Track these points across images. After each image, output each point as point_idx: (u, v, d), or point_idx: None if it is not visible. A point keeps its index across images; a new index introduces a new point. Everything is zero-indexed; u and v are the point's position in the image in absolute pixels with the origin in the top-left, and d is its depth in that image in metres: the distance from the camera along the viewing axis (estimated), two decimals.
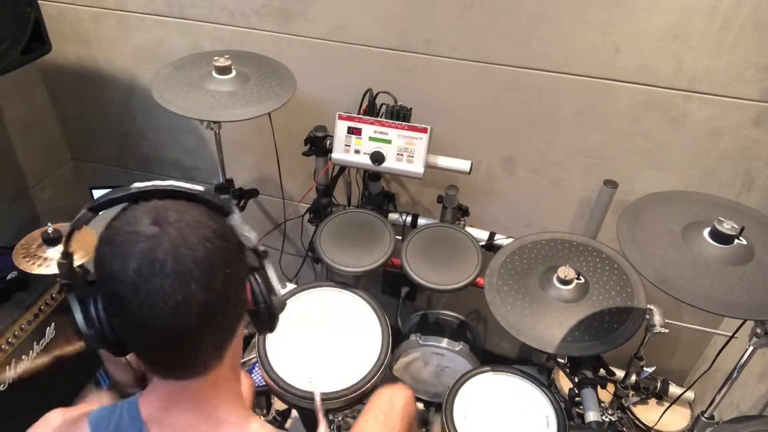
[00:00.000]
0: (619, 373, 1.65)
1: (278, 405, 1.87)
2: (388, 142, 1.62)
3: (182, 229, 0.65)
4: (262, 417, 1.78)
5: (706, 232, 1.14)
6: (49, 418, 0.83)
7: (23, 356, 1.69)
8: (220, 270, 0.67)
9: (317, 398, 1.28)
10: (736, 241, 1.12)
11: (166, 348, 0.68)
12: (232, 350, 0.76)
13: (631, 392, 1.67)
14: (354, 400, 1.39)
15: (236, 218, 0.72)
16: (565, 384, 1.88)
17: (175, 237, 0.65)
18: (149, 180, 0.72)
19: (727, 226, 1.11)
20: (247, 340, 1.94)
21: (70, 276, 0.72)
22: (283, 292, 0.83)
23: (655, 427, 1.83)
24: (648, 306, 1.40)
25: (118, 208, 0.72)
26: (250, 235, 0.74)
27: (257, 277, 0.75)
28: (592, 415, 1.40)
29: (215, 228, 0.68)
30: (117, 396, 1.09)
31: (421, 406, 1.81)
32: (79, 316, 0.69)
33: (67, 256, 0.72)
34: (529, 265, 1.47)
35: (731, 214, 1.15)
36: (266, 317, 0.78)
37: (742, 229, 1.11)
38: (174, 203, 0.69)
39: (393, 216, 1.84)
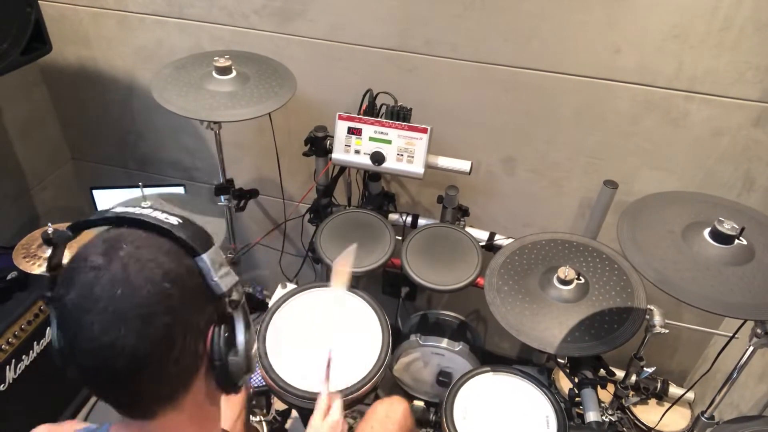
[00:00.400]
0: (619, 374, 1.65)
1: (278, 405, 1.87)
2: (388, 142, 1.62)
3: (128, 266, 0.59)
4: (262, 417, 1.78)
5: (706, 232, 1.14)
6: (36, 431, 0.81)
7: (23, 356, 1.69)
8: (161, 317, 0.59)
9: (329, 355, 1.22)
10: (737, 241, 1.12)
11: (98, 386, 0.64)
12: (195, 400, 0.68)
13: (631, 392, 1.67)
14: (354, 401, 1.39)
15: (207, 260, 0.64)
16: (565, 384, 1.88)
17: (118, 274, 0.59)
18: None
19: (727, 227, 1.11)
20: None
21: (52, 288, 0.66)
22: (253, 350, 0.70)
23: (656, 427, 1.83)
24: (648, 306, 1.40)
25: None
26: (224, 279, 0.65)
27: (221, 329, 0.66)
28: (592, 416, 1.40)
29: (169, 269, 0.61)
30: None
31: (421, 404, 1.81)
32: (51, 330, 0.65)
33: (51, 269, 0.66)
34: (529, 265, 1.47)
35: (731, 215, 1.15)
36: (220, 377, 0.67)
37: (743, 229, 1.11)
38: (137, 235, 0.63)
39: (393, 216, 1.84)
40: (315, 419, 1.07)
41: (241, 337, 0.67)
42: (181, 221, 0.65)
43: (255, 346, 0.71)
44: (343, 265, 1.20)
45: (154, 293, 0.59)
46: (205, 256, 0.64)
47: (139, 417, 0.67)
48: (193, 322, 0.64)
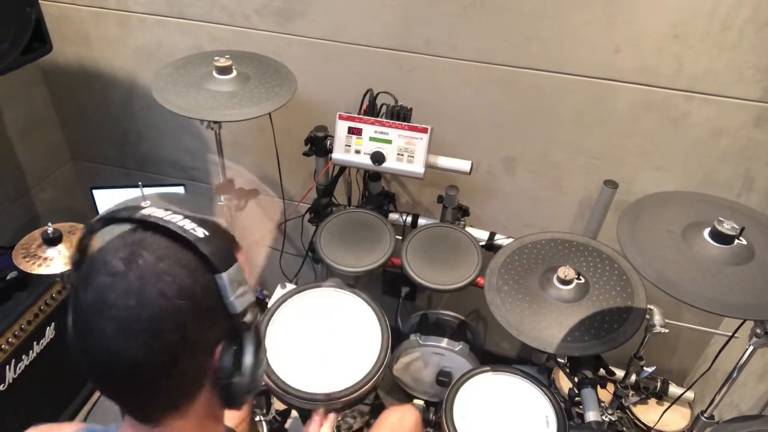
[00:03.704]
0: (619, 373, 1.65)
1: (278, 405, 1.87)
2: (389, 142, 1.62)
3: (145, 277, 0.59)
4: (261, 417, 1.78)
5: (706, 232, 1.15)
6: None
7: (23, 356, 1.69)
8: (168, 334, 0.60)
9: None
10: (737, 241, 1.12)
11: (103, 386, 0.64)
12: (201, 410, 0.68)
13: (631, 392, 1.67)
14: (354, 401, 1.39)
15: (226, 279, 0.63)
16: (565, 384, 1.88)
17: (133, 284, 0.59)
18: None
19: (727, 227, 1.11)
20: None
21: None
22: (262, 366, 0.70)
23: (655, 427, 1.83)
24: (648, 306, 1.40)
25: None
26: (241, 299, 0.64)
27: (230, 347, 0.66)
28: (592, 415, 1.40)
29: (185, 285, 0.61)
30: None
31: (421, 403, 1.81)
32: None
33: (75, 257, 0.66)
34: (529, 265, 1.47)
35: (731, 215, 1.16)
36: (222, 394, 0.67)
37: (742, 229, 1.11)
38: (161, 242, 0.62)
39: (393, 216, 1.84)
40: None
41: (248, 358, 0.67)
42: (207, 234, 0.64)
43: (263, 365, 0.71)
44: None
45: (165, 309, 0.59)
46: (224, 275, 0.63)
47: (144, 421, 0.67)
48: (202, 339, 0.64)
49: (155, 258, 0.61)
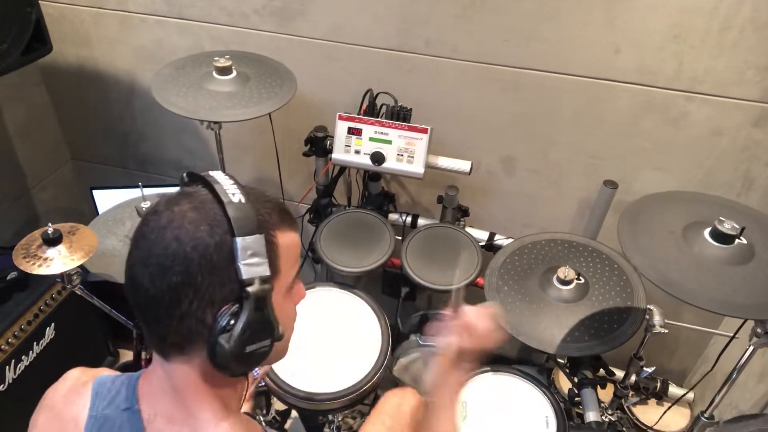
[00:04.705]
0: (619, 373, 1.65)
1: (278, 405, 1.87)
2: (389, 142, 1.62)
3: (173, 221, 0.67)
4: (261, 417, 1.78)
5: (706, 232, 1.15)
6: (68, 374, 0.88)
7: (23, 356, 1.69)
8: (174, 275, 0.65)
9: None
10: (737, 241, 1.12)
11: (134, 309, 0.71)
12: (204, 363, 0.70)
13: (631, 392, 1.67)
14: (354, 400, 1.39)
15: (239, 243, 0.66)
16: (565, 384, 1.88)
17: (161, 224, 0.67)
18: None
19: (727, 226, 1.11)
20: None
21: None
22: (263, 343, 0.71)
23: (655, 427, 1.83)
24: (648, 306, 1.40)
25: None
26: (249, 268, 0.67)
27: (231, 311, 0.68)
28: (591, 415, 1.40)
29: (201, 238, 0.66)
30: None
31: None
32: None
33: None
34: (529, 265, 1.47)
35: (731, 214, 1.16)
36: (211, 353, 0.69)
37: (743, 229, 1.11)
38: (202, 198, 0.70)
39: (393, 216, 1.84)
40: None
41: (239, 326, 0.67)
42: (242, 201, 0.68)
43: (264, 344, 0.71)
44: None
45: (176, 251, 0.65)
46: (239, 239, 0.66)
47: (159, 352, 0.73)
48: (205, 292, 0.67)
49: (189, 207, 0.68)
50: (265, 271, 0.68)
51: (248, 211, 0.68)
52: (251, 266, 0.67)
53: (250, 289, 0.67)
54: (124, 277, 0.70)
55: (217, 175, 0.72)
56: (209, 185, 0.70)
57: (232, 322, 0.68)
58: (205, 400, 0.73)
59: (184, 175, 0.75)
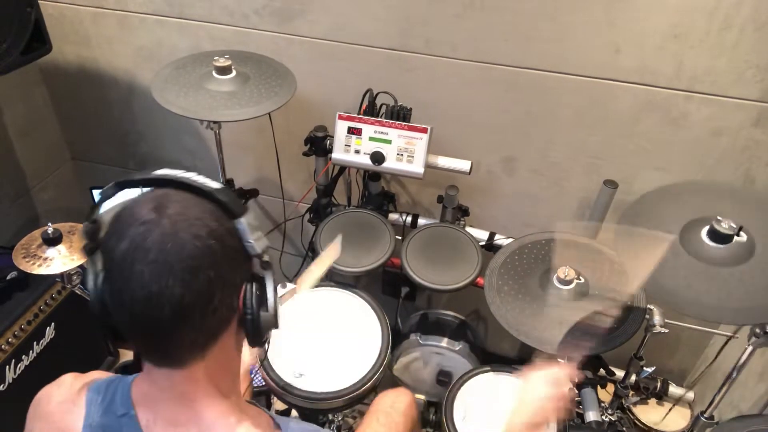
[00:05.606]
0: (619, 373, 1.65)
1: (278, 405, 1.87)
2: (388, 142, 1.62)
3: (177, 223, 0.65)
4: None
5: (704, 232, 1.15)
6: (62, 379, 0.88)
7: (23, 356, 1.69)
8: (205, 271, 0.65)
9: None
10: (735, 239, 1.12)
11: (140, 333, 0.69)
12: (220, 354, 0.73)
13: (631, 392, 1.67)
14: (354, 400, 1.39)
15: (244, 222, 0.70)
16: None
17: (167, 229, 0.65)
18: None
19: (725, 226, 1.11)
20: None
21: (94, 239, 0.72)
22: (280, 307, 0.77)
23: (656, 427, 1.83)
24: (648, 306, 1.40)
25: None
26: (258, 242, 0.72)
27: (253, 286, 0.73)
28: (592, 415, 1.40)
29: (214, 228, 0.67)
30: None
31: (422, 397, 1.81)
32: (87, 279, 0.72)
33: (93, 222, 0.72)
34: (529, 265, 1.47)
35: (731, 208, 1.15)
36: (251, 330, 0.74)
37: (740, 228, 1.11)
38: (182, 195, 0.69)
39: (393, 216, 1.84)
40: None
41: (271, 294, 0.74)
42: (219, 187, 0.71)
43: (280, 306, 0.77)
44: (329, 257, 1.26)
45: (201, 248, 0.65)
46: (243, 219, 0.70)
47: (169, 365, 0.72)
48: (231, 278, 0.70)
49: (182, 207, 0.67)
50: (266, 241, 0.73)
51: (231, 193, 0.72)
52: (258, 240, 0.72)
53: (266, 259, 0.73)
54: (134, 305, 0.65)
55: (173, 172, 0.72)
56: (179, 182, 0.70)
57: (263, 294, 0.73)
58: (215, 402, 0.75)
59: (107, 188, 0.75)
